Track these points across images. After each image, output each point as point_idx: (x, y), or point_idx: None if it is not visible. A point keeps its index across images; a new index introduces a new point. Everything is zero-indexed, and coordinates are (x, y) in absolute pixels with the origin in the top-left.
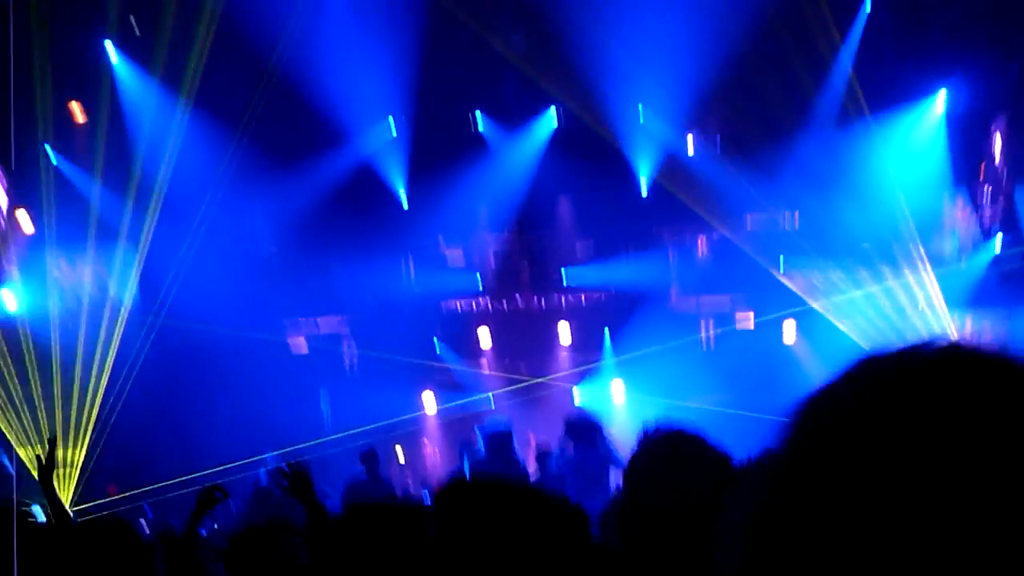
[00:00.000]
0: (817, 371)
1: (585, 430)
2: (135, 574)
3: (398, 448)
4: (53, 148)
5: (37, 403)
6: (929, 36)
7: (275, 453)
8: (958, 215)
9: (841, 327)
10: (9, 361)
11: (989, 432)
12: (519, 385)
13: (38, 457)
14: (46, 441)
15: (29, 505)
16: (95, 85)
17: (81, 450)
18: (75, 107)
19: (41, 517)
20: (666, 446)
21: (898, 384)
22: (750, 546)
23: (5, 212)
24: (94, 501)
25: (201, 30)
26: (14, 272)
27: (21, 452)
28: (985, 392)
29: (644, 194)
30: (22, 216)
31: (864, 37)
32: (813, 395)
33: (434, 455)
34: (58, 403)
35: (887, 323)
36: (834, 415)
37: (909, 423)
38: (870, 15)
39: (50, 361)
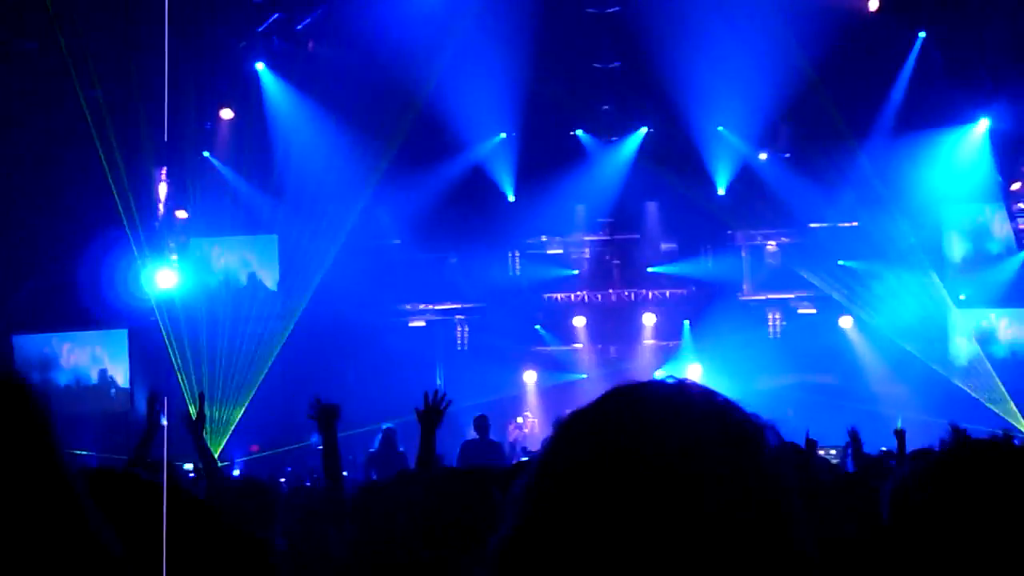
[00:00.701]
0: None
1: None
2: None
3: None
4: (208, 149)
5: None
6: (973, 68)
7: (389, 424)
8: (995, 225)
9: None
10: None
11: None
12: (607, 368)
13: (188, 415)
14: (197, 397)
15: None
16: (246, 95)
17: (236, 410)
18: (226, 113)
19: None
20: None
21: (627, 408)
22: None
23: (163, 202)
24: (242, 457)
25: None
26: (173, 254)
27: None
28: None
29: (720, 194)
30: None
31: (916, 67)
32: (572, 412)
33: (534, 424)
34: (209, 367)
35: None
36: (580, 427)
37: (630, 435)
38: (920, 49)
39: (202, 332)
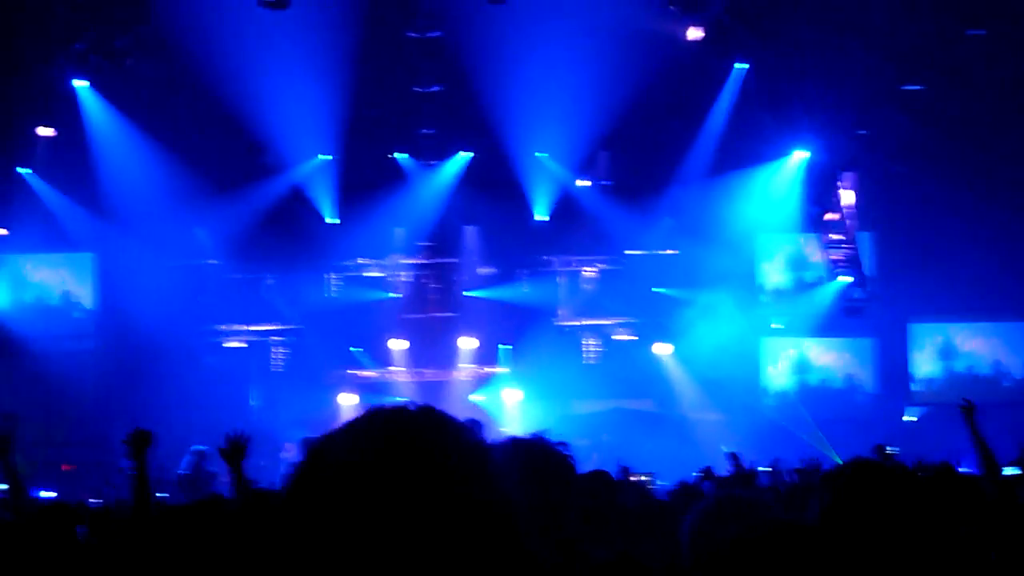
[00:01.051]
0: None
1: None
2: None
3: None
4: (25, 165)
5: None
6: (790, 100)
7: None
8: (809, 255)
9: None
10: None
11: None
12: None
13: None
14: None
15: None
16: (63, 113)
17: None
18: (44, 130)
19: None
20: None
21: (376, 431)
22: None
23: None
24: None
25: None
26: None
27: None
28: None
29: (538, 220)
30: None
31: (735, 99)
32: (324, 436)
33: None
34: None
35: (737, 346)
36: (322, 452)
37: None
38: (740, 80)
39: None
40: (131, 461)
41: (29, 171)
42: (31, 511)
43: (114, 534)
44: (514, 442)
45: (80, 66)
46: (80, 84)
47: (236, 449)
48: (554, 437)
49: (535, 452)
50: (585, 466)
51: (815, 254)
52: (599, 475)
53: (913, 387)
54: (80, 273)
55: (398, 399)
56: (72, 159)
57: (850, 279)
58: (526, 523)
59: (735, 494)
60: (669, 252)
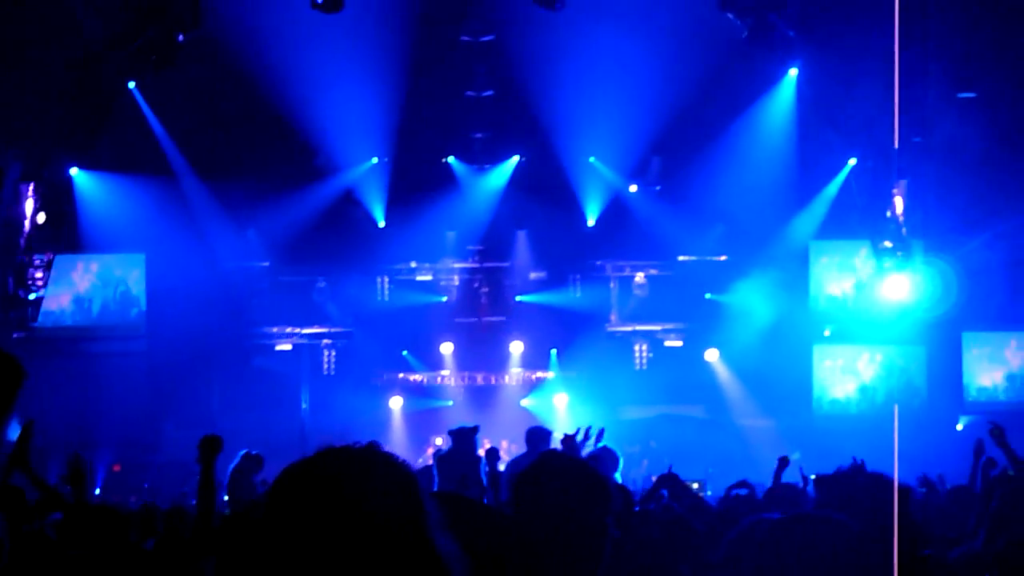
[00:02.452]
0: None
1: (540, 436)
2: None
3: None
4: (79, 165)
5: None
6: (843, 108)
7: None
8: (861, 262)
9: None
10: None
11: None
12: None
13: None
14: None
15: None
16: (116, 113)
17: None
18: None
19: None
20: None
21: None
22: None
23: (29, 219)
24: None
25: (211, 68)
26: (38, 272)
27: None
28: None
29: (590, 225)
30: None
31: (788, 104)
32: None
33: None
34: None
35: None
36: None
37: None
38: (793, 85)
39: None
40: (200, 465)
41: (79, 170)
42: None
43: (176, 538)
44: (550, 459)
45: (133, 67)
46: (132, 86)
47: (209, 446)
48: (604, 440)
49: (570, 474)
50: (634, 472)
51: (868, 261)
52: (617, 487)
53: (966, 396)
54: (133, 274)
55: (448, 402)
56: (125, 159)
57: (902, 286)
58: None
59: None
60: (721, 258)
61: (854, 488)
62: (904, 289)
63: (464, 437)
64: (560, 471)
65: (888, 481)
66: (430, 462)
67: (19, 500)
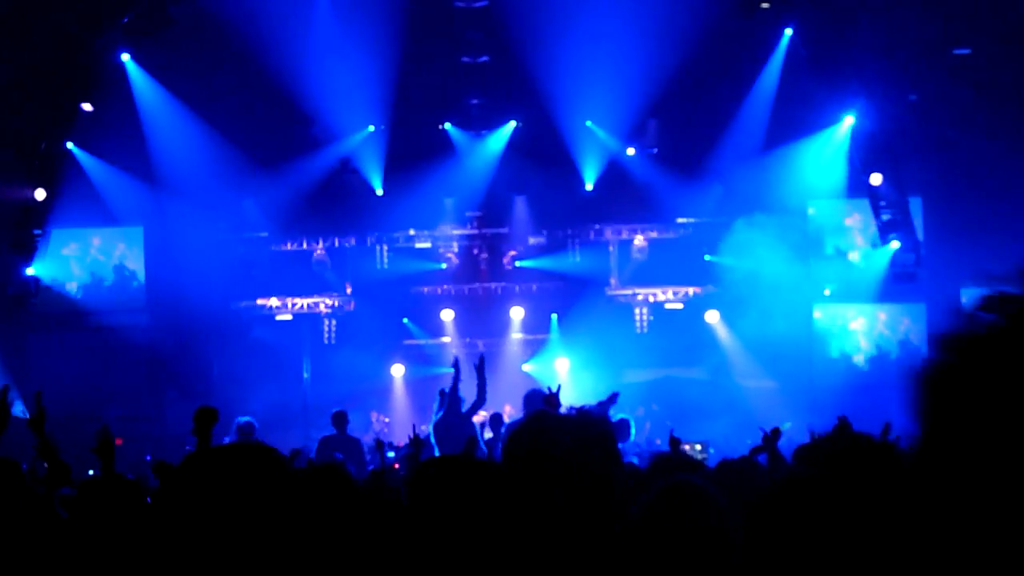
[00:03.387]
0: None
1: (538, 399)
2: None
3: (373, 415)
4: (71, 140)
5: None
6: (839, 65)
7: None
8: (859, 221)
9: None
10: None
11: None
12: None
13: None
14: (35, 395)
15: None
16: (110, 86)
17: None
18: (89, 105)
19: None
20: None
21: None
22: None
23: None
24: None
25: (205, 37)
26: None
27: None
28: None
29: (589, 188)
30: (40, 195)
31: (784, 65)
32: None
33: (397, 418)
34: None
35: (789, 313)
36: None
37: None
38: (788, 46)
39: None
40: (196, 438)
41: (75, 146)
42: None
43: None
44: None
45: (126, 39)
46: (126, 58)
47: (205, 418)
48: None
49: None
50: (639, 436)
51: (866, 220)
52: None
53: None
54: (131, 246)
55: (449, 369)
56: (119, 133)
57: (900, 244)
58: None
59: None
60: (720, 220)
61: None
62: (901, 247)
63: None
64: (553, 422)
65: (871, 441)
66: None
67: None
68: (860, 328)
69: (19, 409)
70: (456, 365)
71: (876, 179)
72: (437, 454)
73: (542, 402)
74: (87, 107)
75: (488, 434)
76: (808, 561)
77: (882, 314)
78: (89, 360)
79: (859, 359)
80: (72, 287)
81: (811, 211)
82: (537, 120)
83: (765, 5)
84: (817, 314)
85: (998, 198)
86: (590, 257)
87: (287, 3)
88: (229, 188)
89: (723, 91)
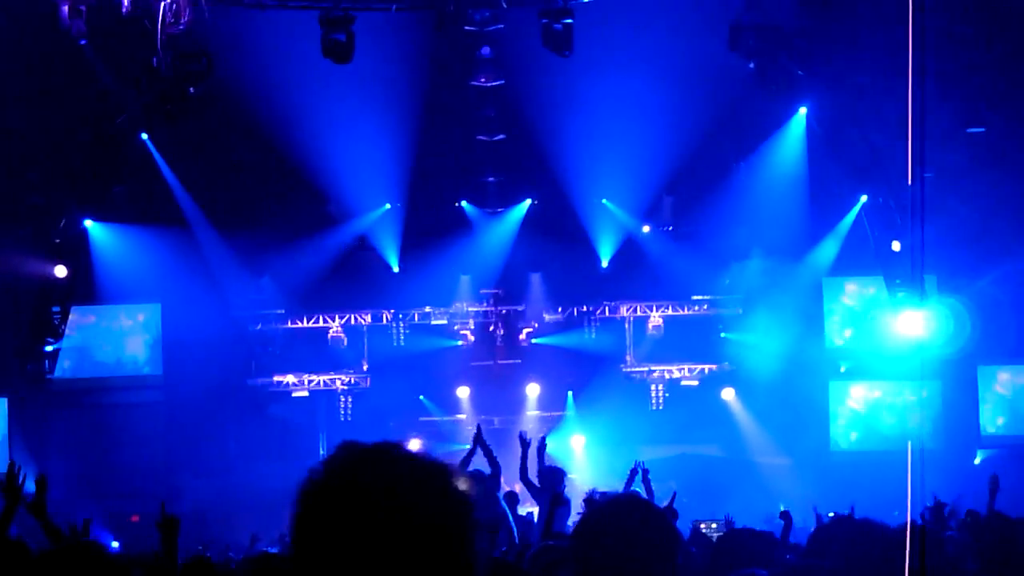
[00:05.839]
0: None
1: (554, 476)
2: None
3: None
4: (94, 219)
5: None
6: (854, 143)
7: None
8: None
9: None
10: None
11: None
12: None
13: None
14: (37, 479)
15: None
16: (131, 164)
17: None
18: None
19: None
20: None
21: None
22: None
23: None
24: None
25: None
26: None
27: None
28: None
29: (604, 266)
30: (60, 272)
31: (799, 142)
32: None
33: None
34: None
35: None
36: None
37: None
38: (805, 124)
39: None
40: (163, 547)
41: (96, 223)
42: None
43: None
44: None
45: (147, 118)
46: (146, 137)
47: (168, 527)
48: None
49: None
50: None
51: (882, 297)
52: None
53: (983, 431)
54: (148, 323)
55: (466, 446)
56: (139, 211)
57: (916, 321)
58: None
59: None
60: (735, 297)
61: (840, 538)
62: (918, 325)
63: (483, 483)
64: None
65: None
66: None
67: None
68: (875, 405)
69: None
70: (477, 438)
71: (897, 245)
72: None
73: (563, 481)
74: (108, 185)
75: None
76: None
77: (895, 391)
78: (106, 437)
79: (872, 436)
80: (90, 364)
81: (826, 288)
82: (553, 197)
83: (779, 89)
84: (832, 391)
85: (1013, 274)
86: (606, 334)
87: (305, 82)
88: (246, 266)
89: (738, 169)
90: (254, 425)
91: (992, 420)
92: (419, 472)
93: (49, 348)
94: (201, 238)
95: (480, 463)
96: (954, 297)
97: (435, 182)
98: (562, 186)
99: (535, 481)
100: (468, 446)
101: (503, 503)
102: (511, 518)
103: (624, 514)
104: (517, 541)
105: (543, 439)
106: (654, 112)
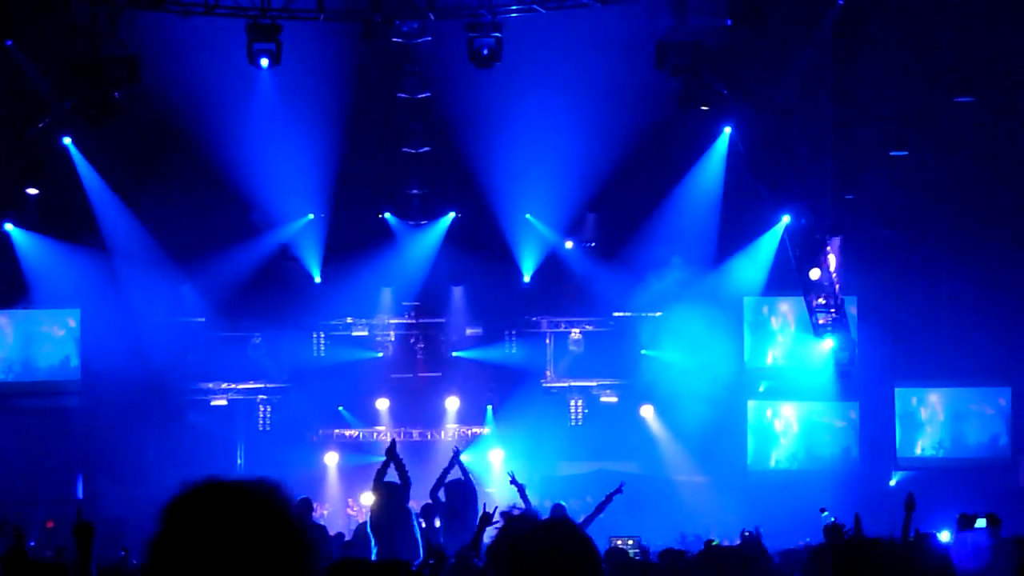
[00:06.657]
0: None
1: (460, 490)
2: None
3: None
4: (12, 222)
5: None
6: (777, 166)
7: None
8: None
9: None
10: None
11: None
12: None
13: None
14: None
15: None
16: (51, 169)
17: None
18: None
19: None
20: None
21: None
22: None
23: None
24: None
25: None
26: None
27: None
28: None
29: (526, 280)
30: None
31: (721, 163)
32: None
33: (330, 508)
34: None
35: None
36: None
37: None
38: (728, 145)
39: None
40: (77, 552)
41: (14, 227)
42: None
43: None
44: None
45: (69, 124)
46: (68, 141)
47: (83, 533)
48: (541, 499)
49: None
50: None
51: (801, 318)
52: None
53: (899, 452)
54: (67, 328)
55: (383, 458)
56: (59, 215)
57: (836, 342)
58: None
59: None
60: (655, 314)
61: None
62: (837, 345)
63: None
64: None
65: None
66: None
67: None
68: (793, 424)
69: None
70: (390, 451)
71: (815, 274)
72: (374, 546)
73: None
74: (32, 191)
75: (422, 523)
76: None
77: (813, 411)
78: (21, 442)
79: (789, 456)
80: (5, 368)
81: (746, 307)
82: (476, 211)
83: (705, 108)
84: (751, 410)
85: (932, 296)
86: (526, 349)
87: (230, 89)
88: (167, 272)
89: (661, 187)
90: (173, 433)
91: (910, 442)
92: (254, 515)
93: None
94: (122, 245)
95: (394, 476)
96: (874, 318)
97: (359, 193)
98: (486, 200)
99: (442, 497)
100: (385, 458)
101: (415, 516)
102: (418, 532)
103: (549, 539)
104: (422, 556)
105: (456, 450)
106: (579, 128)
